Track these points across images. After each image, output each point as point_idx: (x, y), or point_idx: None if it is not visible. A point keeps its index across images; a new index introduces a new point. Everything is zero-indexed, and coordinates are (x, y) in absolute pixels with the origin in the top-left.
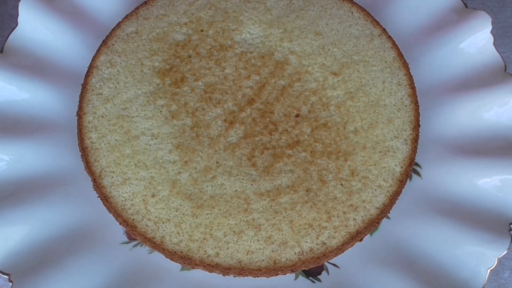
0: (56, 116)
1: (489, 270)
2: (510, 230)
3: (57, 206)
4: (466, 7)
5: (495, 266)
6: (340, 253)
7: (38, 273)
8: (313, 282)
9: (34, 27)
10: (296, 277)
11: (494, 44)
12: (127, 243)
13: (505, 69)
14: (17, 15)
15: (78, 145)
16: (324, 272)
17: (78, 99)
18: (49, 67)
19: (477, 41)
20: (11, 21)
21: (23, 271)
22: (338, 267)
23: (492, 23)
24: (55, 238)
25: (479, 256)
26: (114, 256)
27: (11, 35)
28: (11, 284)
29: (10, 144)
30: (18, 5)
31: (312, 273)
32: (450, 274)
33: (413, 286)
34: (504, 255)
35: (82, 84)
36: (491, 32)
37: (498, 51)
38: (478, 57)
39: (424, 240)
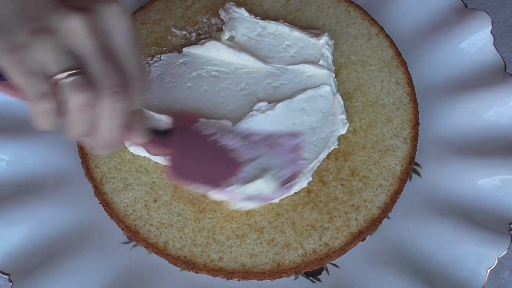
0: None
1: (489, 270)
2: (510, 230)
3: (57, 206)
4: (466, 7)
5: (495, 266)
6: (343, 254)
7: (38, 273)
8: (313, 282)
9: None
10: (296, 277)
11: (494, 44)
12: (127, 243)
13: (505, 69)
14: None
15: (78, 152)
16: (324, 272)
17: None
18: None
19: (477, 41)
20: None
21: (23, 271)
22: (338, 267)
23: (492, 23)
24: (55, 238)
25: (479, 256)
26: (114, 256)
27: None
28: (11, 284)
29: (10, 144)
30: None
31: (312, 273)
32: (450, 274)
33: (413, 286)
34: (504, 255)
35: None
36: (491, 32)
37: (498, 51)
38: (478, 57)
39: (424, 240)
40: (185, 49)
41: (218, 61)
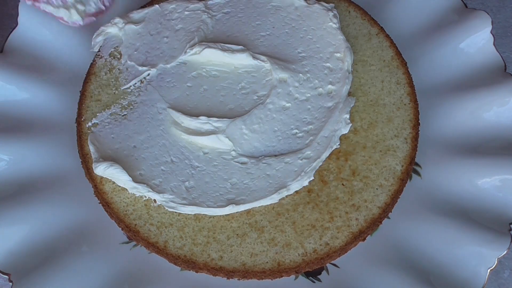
0: (56, 116)
1: (489, 270)
2: (510, 230)
3: (57, 205)
4: (466, 7)
5: (495, 266)
6: (344, 253)
7: (38, 273)
8: (313, 282)
9: (34, 27)
10: (296, 277)
11: (494, 44)
12: (127, 243)
13: (505, 69)
14: (17, 15)
15: (78, 151)
16: (324, 272)
17: (77, 106)
18: (49, 67)
19: (477, 41)
20: (11, 21)
21: (23, 271)
22: (338, 267)
23: (492, 23)
24: (55, 238)
25: (479, 256)
26: (114, 256)
27: (11, 35)
28: (11, 284)
29: (10, 144)
30: (18, 5)
31: (312, 273)
32: (450, 274)
33: (413, 286)
34: (504, 255)
35: (80, 91)
36: (491, 32)
37: (498, 51)
38: (478, 57)
39: (424, 240)
40: (182, 57)
41: (218, 61)
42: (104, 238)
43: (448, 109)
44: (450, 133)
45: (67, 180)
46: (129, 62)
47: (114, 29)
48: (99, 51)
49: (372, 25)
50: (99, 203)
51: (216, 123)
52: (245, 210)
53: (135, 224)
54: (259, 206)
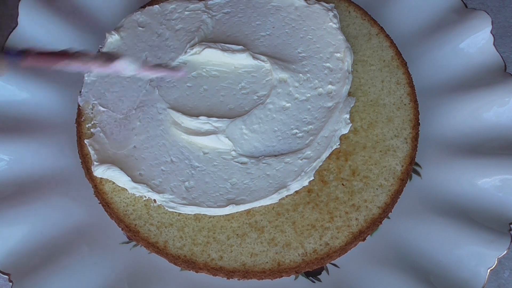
0: (56, 116)
1: (489, 270)
2: (510, 230)
3: (57, 206)
4: (466, 7)
5: (495, 266)
6: (344, 254)
7: (38, 273)
8: (313, 282)
9: (34, 27)
10: (296, 277)
11: (494, 44)
12: (127, 243)
13: (505, 69)
14: (17, 15)
15: (78, 152)
16: (324, 272)
17: (77, 106)
18: (49, 67)
19: (477, 41)
20: (11, 21)
21: (23, 271)
22: (338, 267)
23: (492, 23)
24: (55, 238)
25: (479, 256)
26: (114, 256)
27: (11, 35)
28: (11, 284)
29: (10, 144)
30: (18, 5)
31: (312, 273)
32: (450, 274)
33: (413, 286)
34: (504, 255)
35: (80, 91)
36: (491, 32)
37: (498, 51)
38: (478, 57)
39: (424, 240)
40: (182, 57)
41: (218, 61)
42: (104, 238)
43: (448, 109)
44: (450, 133)
45: (67, 180)
46: None
47: (115, 37)
48: (99, 51)
49: (372, 25)
50: (99, 203)
51: (216, 123)
52: (245, 210)
53: (135, 224)
54: (259, 206)
